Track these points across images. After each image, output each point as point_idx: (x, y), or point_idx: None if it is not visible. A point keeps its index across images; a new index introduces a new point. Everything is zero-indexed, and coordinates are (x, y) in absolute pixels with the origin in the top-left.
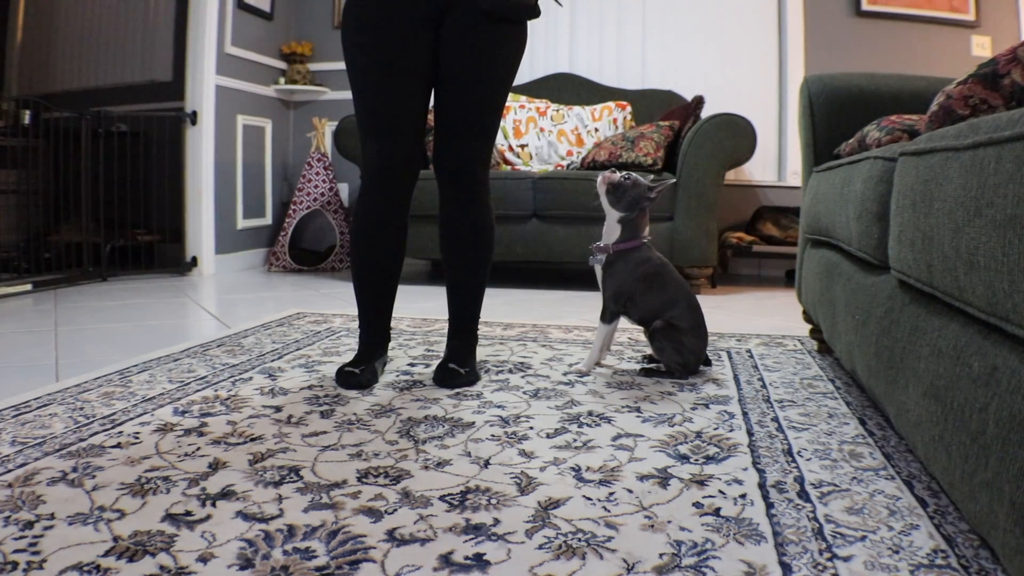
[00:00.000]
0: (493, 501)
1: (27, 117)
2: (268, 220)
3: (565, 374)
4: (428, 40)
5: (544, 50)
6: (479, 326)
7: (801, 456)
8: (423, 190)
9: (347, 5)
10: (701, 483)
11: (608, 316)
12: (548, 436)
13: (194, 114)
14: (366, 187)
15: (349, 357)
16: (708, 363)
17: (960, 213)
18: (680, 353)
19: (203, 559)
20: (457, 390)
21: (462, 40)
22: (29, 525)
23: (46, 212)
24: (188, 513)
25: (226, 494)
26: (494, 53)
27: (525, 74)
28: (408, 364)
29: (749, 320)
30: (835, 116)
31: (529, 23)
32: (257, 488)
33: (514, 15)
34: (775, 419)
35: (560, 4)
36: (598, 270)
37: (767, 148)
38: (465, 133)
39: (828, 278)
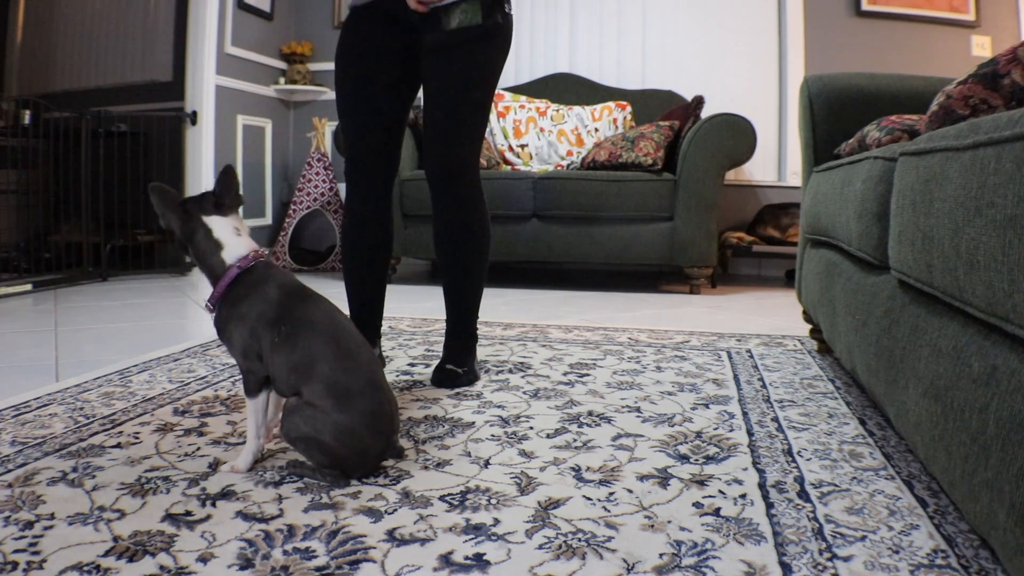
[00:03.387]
0: (493, 501)
1: (27, 117)
2: (268, 220)
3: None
4: (401, 49)
5: (544, 50)
6: (479, 326)
7: (801, 456)
8: (425, 191)
9: (346, 18)
10: (701, 483)
11: (252, 385)
12: (548, 436)
13: (194, 114)
14: (347, 185)
15: None
16: (399, 454)
17: (960, 213)
18: (320, 448)
19: (203, 559)
20: (457, 390)
21: (427, 63)
22: (29, 525)
23: (46, 212)
24: (188, 513)
25: (226, 494)
26: (460, 68)
27: (525, 74)
28: (408, 364)
29: (749, 320)
30: (835, 116)
31: (531, 24)
32: (257, 488)
33: (462, 41)
34: (775, 419)
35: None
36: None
37: (767, 148)
38: (447, 137)
39: (828, 278)
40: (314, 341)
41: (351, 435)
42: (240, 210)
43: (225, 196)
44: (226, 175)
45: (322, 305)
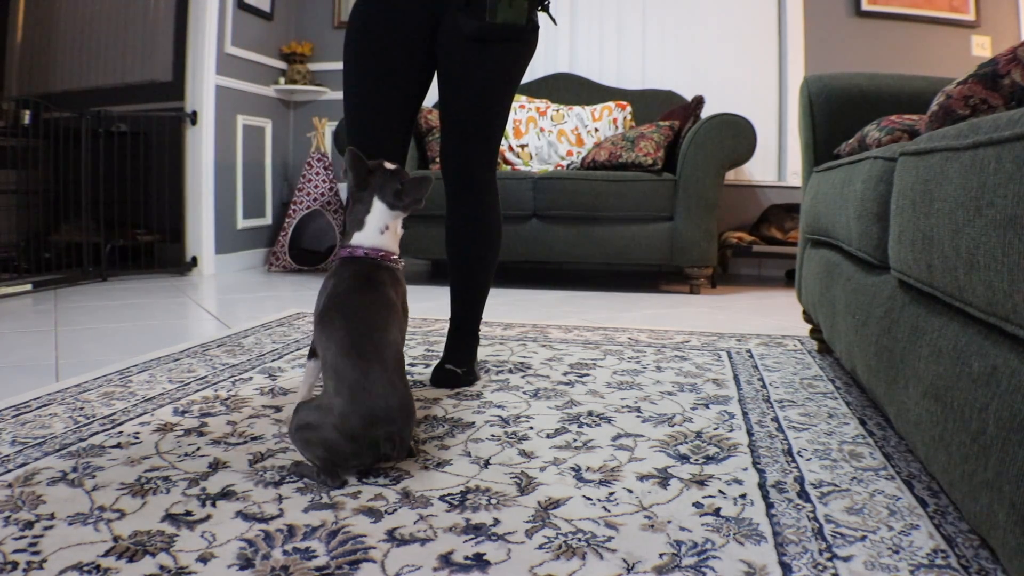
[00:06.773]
0: (493, 501)
1: (27, 117)
2: (268, 220)
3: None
4: (422, 44)
5: (544, 50)
6: (480, 326)
7: (801, 456)
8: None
9: (353, 6)
10: (701, 483)
11: (312, 348)
12: (548, 436)
13: (194, 114)
14: None
15: None
16: (391, 454)
17: (960, 213)
18: (307, 443)
19: (203, 559)
20: (457, 390)
21: (457, 51)
22: (29, 525)
23: (46, 212)
24: (188, 513)
25: (226, 494)
26: (491, 64)
27: (525, 74)
28: (408, 364)
29: (749, 320)
30: (835, 116)
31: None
32: (257, 488)
33: (501, 37)
34: (775, 419)
35: (555, 23)
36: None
37: (767, 148)
38: (466, 135)
39: (828, 278)
40: (335, 324)
41: (342, 418)
42: (403, 215)
43: (406, 197)
44: (423, 184)
45: (367, 297)
